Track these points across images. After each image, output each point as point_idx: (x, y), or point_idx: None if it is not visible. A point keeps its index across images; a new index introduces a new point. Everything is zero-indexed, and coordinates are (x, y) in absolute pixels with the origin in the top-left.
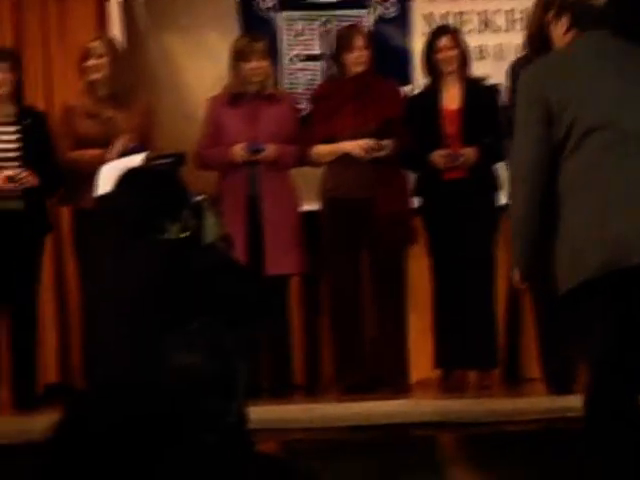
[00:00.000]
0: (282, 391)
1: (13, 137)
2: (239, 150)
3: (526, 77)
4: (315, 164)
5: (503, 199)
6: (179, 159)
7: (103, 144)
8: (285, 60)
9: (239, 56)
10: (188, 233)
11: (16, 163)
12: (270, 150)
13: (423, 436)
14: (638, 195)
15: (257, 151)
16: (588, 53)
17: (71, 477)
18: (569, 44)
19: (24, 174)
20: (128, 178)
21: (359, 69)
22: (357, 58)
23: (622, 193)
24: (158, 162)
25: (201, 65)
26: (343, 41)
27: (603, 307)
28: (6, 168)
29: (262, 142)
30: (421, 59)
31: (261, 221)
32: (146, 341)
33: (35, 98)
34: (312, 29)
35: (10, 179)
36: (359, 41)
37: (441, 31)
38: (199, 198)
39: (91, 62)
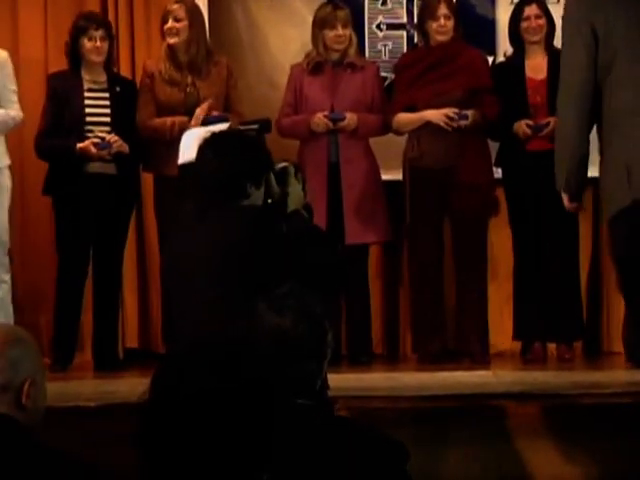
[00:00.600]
0: (361, 359)
1: (106, 103)
2: (319, 119)
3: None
4: (397, 133)
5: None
6: (265, 125)
7: (184, 112)
8: (369, 29)
9: (322, 24)
10: (273, 200)
11: (107, 129)
12: (350, 119)
13: (501, 407)
14: None
15: (337, 120)
16: None
17: (168, 440)
18: None
19: (113, 139)
20: (213, 143)
21: (443, 38)
22: (441, 27)
23: None
24: (244, 128)
25: (286, 31)
26: (427, 10)
27: None
28: (98, 133)
29: (341, 111)
30: (508, 29)
31: (342, 189)
32: (232, 305)
33: (120, 66)
34: None
35: (97, 145)
36: (443, 10)
37: (528, 0)
38: (284, 164)
39: (169, 25)
